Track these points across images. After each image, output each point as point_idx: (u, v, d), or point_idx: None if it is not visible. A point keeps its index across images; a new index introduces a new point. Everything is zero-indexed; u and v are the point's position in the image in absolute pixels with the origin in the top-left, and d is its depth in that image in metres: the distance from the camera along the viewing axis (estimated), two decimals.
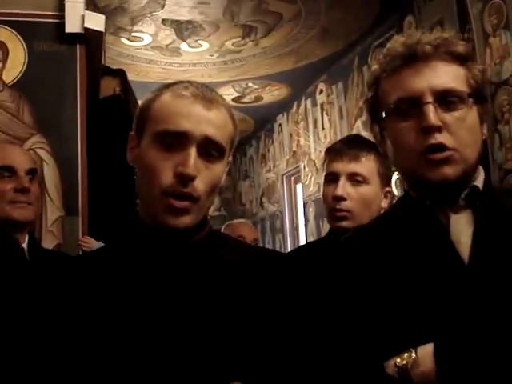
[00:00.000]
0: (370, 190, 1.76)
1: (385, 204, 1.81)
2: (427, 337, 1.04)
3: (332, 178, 1.79)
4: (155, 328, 1.02)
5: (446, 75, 1.13)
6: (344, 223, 1.75)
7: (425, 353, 1.03)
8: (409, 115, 1.13)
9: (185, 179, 1.03)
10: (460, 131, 1.11)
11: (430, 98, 1.10)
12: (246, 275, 1.12)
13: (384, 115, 1.18)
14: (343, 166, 1.76)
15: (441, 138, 1.09)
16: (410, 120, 1.12)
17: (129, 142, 1.15)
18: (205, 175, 1.06)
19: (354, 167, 1.75)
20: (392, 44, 1.19)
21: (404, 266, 1.12)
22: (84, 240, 2.53)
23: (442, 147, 1.09)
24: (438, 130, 1.09)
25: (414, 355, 1.03)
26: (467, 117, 1.12)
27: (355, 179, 1.75)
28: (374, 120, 1.24)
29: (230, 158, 1.17)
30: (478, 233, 1.11)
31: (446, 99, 1.11)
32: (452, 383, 1.00)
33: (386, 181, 1.81)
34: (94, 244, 2.46)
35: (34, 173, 1.95)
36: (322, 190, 1.84)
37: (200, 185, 1.05)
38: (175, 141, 1.05)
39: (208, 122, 1.07)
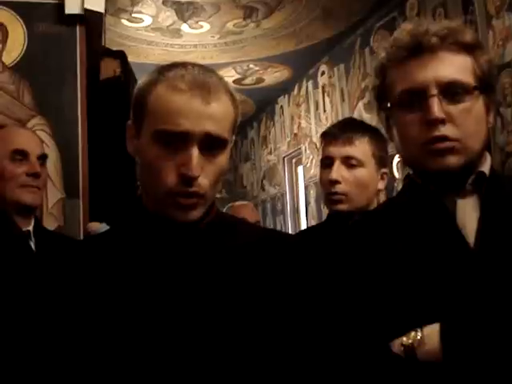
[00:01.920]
0: (366, 173, 1.77)
1: (381, 186, 1.83)
2: (433, 318, 1.06)
3: (328, 162, 1.81)
4: (168, 313, 1.02)
5: (452, 66, 1.13)
6: (340, 206, 1.77)
7: (430, 332, 1.05)
8: (414, 107, 1.13)
9: (189, 180, 1.02)
10: (465, 123, 1.11)
11: (434, 91, 1.11)
12: (255, 258, 1.12)
13: (390, 105, 1.19)
14: (337, 150, 1.78)
15: (444, 130, 1.10)
16: (415, 112, 1.13)
17: (127, 131, 1.13)
18: (209, 170, 1.05)
19: (347, 150, 1.77)
20: (399, 33, 1.19)
21: (410, 249, 1.14)
22: (90, 227, 2.52)
23: (444, 139, 1.10)
24: (442, 122, 1.10)
25: (419, 334, 1.05)
26: (473, 108, 1.13)
27: (350, 162, 1.76)
28: (381, 108, 1.25)
29: (233, 138, 1.15)
30: (484, 218, 1.12)
31: (452, 91, 1.12)
32: (457, 361, 1.02)
33: (381, 162, 1.82)
34: (98, 227, 2.45)
35: (45, 158, 1.98)
36: (318, 175, 1.86)
37: (205, 181, 1.04)
38: (176, 140, 1.03)
39: (208, 117, 1.03)
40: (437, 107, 1.10)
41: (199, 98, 1.03)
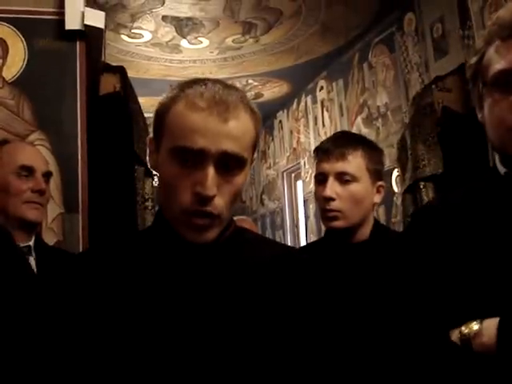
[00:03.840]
0: (360, 188, 1.75)
1: (377, 199, 1.81)
2: (499, 310, 1.05)
3: (321, 179, 1.79)
4: (179, 328, 1.01)
5: None
6: (335, 223, 1.75)
7: (490, 325, 1.04)
8: (508, 89, 1.09)
9: (204, 199, 1.00)
10: None
11: None
12: (272, 275, 1.10)
13: (483, 84, 1.15)
14: (330, 166, 1.76)
15: None
16: (508, 94, 1.09)
17: (148, 145, 1.13)
18: (225, 190, 1.03)
19: (341, 166, 1.75)
20: (503, 12, 1.14)
21: (485, 239, 1.12)
22: None
23: None
24: None
25: (478, 326, 1.04)
26: None
27: (343, 178, 1.74)
28: (474, 87, 1.21)
29: (255, 156, 1.13)
30: None
31: None
32: (510, 358, 1.01)
33: (376, 175, 1.80)
34: None
35: (49, 175, 2.00)
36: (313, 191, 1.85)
37: (220, 202, 1.03)
38: (192, 158, 1.01)
39: (225, 136, 1.02)
40: None
41: (217, 116, 1.02)
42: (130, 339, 0.99)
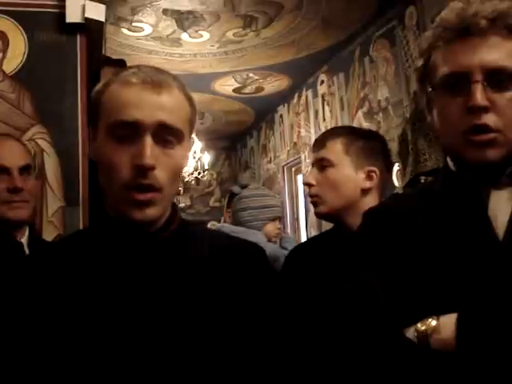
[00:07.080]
0: (337, 172, 1.75)
1: (366, 184, 1.77)
2: (453, 307, 1.04)
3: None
4: (117, 323, 1.00)
5: (500, 52, 1.07)
6: (317, 209, 1.79)
7: (447, 321, 1.03)
8: (456, 91, 1.09)
9: (143, 170, 1.01)
10: (509, 113, 1.06)
11: (479, 77, 1.06)
12: (217, 271, 1.10)
13: (432, 88, 1.15)
14: (314, 155, 1.82)
15: (486, 118, 1.06)
16: (457, 96, 1.09)
17: (88, 136, 1.12)
18: (164, 163, 1.03)
19: (320, 154, 1.79)
20: (447, 13, 1.14)
21: (438, 236, 1.12)
22: None
23: (485, 128, 1.06)
24: (485, 110, 1.05)
25: (435, 322, 1.04)
26: None
27: (322, 164, 1.78)
28: (423, 90, 1.21)
29: (192, 139, 1.14)
30: None
31: (498, 78, 1.06)
32: (470, 353, 1.00)
33: (362, 160, 1.77)
34: None
35: (29, 168, 1.91)
36: None
37: (161, 174, 1.03)
38: (128, 132, 1.02)
39: (160, 107, 1.03)
40: (480, 94, 1.05)
41: (150, 89, 1.04)
42: (71, 328, 0.99)
